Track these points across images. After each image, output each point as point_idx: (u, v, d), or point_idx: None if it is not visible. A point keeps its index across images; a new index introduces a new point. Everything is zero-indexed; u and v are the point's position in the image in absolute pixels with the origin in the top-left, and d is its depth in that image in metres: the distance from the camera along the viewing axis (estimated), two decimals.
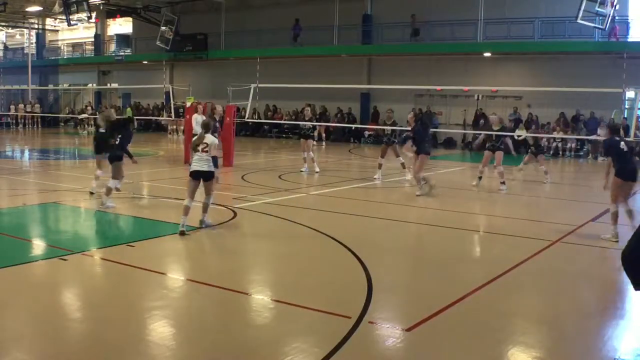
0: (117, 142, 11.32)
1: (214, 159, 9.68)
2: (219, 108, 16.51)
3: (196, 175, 9.31)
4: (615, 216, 9.27)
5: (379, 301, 6.26)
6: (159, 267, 7.44)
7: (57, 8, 29.56)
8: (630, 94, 22.90)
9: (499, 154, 14.44)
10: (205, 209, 9.59)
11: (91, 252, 8.12)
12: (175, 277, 7.24)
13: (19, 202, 11.82)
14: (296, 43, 33.35)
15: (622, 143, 9.39)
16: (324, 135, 30.42)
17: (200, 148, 9.30)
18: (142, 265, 7.38)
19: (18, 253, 7.98)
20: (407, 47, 30.17)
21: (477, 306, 6.29)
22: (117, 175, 11.28)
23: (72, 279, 7.05)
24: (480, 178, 14.70)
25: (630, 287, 6.19)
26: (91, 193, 12.27)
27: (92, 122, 39.35)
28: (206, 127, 9.57)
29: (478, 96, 28.67)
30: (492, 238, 10.12)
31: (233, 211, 10.92)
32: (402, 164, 15.78)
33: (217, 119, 15.42)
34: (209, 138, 9.40)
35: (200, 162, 9.31)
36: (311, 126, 17.38)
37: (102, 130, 12.31)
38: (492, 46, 28.17)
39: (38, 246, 8.59)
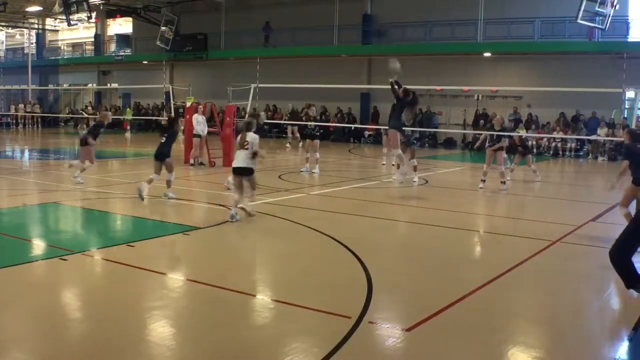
0: (162, 141, 12.11)
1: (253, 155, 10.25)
2: (263, 115, 16.07)
3: (237, 172, 10.11)
4: (629, 217, 9.28)
5: (379, 301, 6.26)
6: (159, 267, 7.43)
7: (57, 8, 29.57)
8: (630, 94, 22.95)
9: (500, 154, 14.39)
10: (250, 197, 10.38)
11: (91, 252, 8.12)
12: (175, 277, 7.24)
13: (19, 202, 11.83)
14: (267, 44, 33.94)
15: None
16: (298, 135, 26.63)
17: (242, 145, 10.12)
18: (142, 265, 7.38)
19: (18, 253, 7.98)
20: (407, 47, 30.17)
21: (477, 306, 6.28)
22: (171, 169, 12.13)
23: (72, 279, 7.05)
24: (484, 181, 14.53)
25: None
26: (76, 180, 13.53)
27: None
28: (247, 126, 10.44)
29: (478, 96, 28.69)
30: (492, 238, 10.12)
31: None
32: (415, 166, 15.48)
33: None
34: (250, 136, 10.19)
35: (240, 159, 10.07)
36: (315, 126, 17.21)
37: (83, 131, 13.87)
38: (492, 46, 28.18)
39: (38, 246, 8.59)
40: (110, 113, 17.20)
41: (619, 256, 6.06)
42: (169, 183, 12.17)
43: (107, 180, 14.97)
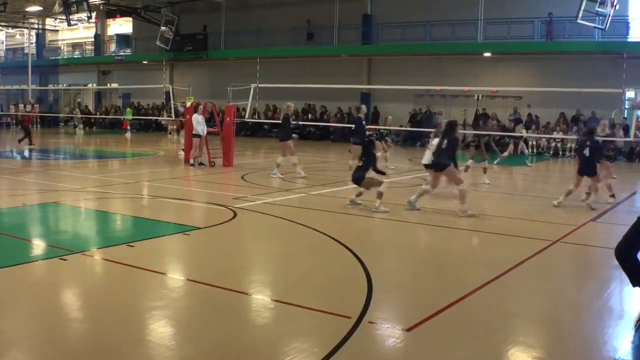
0: (444, 147, 11.17)
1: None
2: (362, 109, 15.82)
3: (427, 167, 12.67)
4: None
5: (379, 301, 6.25)
6: (159, 267, 7.43)
7: (57, 8, 29.56)
8: (630, 94, 22.95)
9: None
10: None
11: (91, 252, 8.12)
12: (175, 277, 7.24)
13: (19, 202, 11.83)
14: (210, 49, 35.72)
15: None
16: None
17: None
18: (142, 265, 7.37)
19: (18, 253, 7.97)
20: (407, 47, 30.20)
21: (477, 306, 6.28)
22: (458, 181, 11.21)
23: (72, 279, 7.04)
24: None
25: (629, 286, 6.21)
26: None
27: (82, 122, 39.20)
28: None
29: (478, 96, 28.69)
30: (492, 238, 10.10)
31: (233, 211, 10.91)
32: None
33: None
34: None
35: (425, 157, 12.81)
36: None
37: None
38: (492, 46, 28.18)
39: (38, 246, 8.59)
40: (291, 105, 17.26)
41: (624, 254, 6.04)
42: (422, 192, 11.55)
43: (107, 180, 14.97)
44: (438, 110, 30.06)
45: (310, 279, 7.25)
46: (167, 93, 28.41)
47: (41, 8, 36.57)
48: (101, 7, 37.64)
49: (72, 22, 27.86)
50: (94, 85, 43.89)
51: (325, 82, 27.92)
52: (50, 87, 45.28)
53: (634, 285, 6.12)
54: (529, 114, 27.16)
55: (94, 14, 35.08)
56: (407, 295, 6.75)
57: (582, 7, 22.75)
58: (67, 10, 26.03)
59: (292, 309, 6.00)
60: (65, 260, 7.49)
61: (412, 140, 29.85)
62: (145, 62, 39.17)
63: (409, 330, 5.45)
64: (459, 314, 5.99)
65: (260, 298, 6.44)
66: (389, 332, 5.47)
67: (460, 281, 7.15)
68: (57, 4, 29.38)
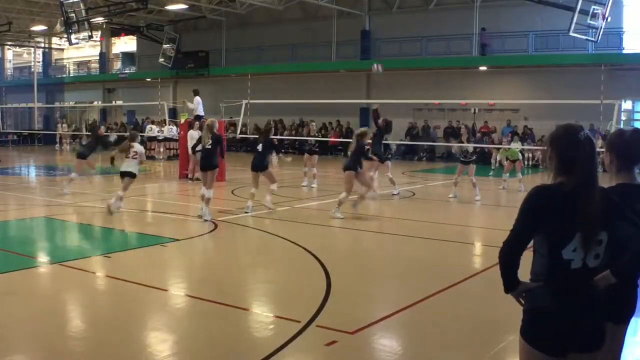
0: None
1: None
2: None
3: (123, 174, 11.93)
4: None
5: (332, 307, 6.43)
6: (131, 277, 7.66)
7: (58, 27, 30.10)
8: (626, 105, 23.12)
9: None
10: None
11: (68, 263, 8.35)
12: (143, 285, 7.41)
13: (10, 216, 12.18)
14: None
15: None
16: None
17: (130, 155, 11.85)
18: (117, 275, 7.65)
19: None
20: (404, 62, 30.52)
21: (428, 311, 6.49)
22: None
23: (47, 289, 7.31)
24: None
25: None
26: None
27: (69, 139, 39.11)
28: (132, 138, 12.24)
29: (474, 109, 28.95)
30: (465, 247, 10.27)
31: (215, 224, 11.17)
32: (391, 179, 15.81)
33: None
34: (137, 147, 12.01)
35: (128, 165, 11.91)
36: (315, 141, 18.02)
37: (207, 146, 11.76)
38: (488, 60, 28.45)
39: (13, 257, 8.81)
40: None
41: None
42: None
43: (100, 195, 15.27)
44: (435, 124, 30.31)
45: (271, 287, 7.50)
46: (170, 110, 28.81)
47: (46, 27, 37.22)
48: (104, 26, 38.22)
49: (73, 42, 28.32)
50: (100, 102, 44.45)
51: (325, 97, 28.26)
52: (57, 104, 45.87)
53: None
54: (525, 127, 27.35)
55: (98, 33, 35.64)
56: (361, 301, 6.91)
57: (574, 21, 22.98)
58: (68, 30, 26.54)
59: (244, 313, 6.26)
60: (41, 270, 7.76)
61: (410, 154, 30.15)
62: (149, 79, 39.70)
63: (353, 333, 5.66)
64: (411, 317, 6.23)
65: (217, 304, 6.58)
66: (334, 335, 5.66)
67: (417, 287, 7.36)
68: (58, 24, 29.92)
